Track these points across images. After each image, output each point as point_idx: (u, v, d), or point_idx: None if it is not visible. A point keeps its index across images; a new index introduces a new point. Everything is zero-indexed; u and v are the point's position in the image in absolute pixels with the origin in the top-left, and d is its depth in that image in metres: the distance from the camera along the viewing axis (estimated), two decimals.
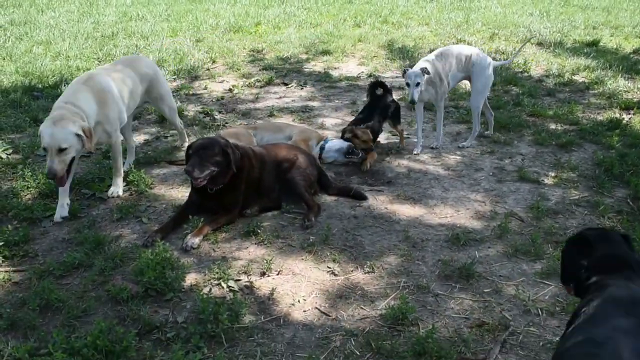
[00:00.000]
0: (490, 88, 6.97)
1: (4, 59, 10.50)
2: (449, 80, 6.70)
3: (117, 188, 5.66)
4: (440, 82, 6.60)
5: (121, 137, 5.73)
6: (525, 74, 9.93)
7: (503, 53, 11.02)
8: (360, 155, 6.33)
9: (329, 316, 3.90)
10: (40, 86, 8.82)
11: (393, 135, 7.22)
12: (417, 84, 6.27)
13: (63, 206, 5.22)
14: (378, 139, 6.85)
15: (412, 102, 6.38)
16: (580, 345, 2.23)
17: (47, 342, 3.48)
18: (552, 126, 7.49)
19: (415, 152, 6.68)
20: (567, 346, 2.30)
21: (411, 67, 6.54)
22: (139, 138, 7.08)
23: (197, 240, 4.73)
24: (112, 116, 5.49)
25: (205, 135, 6.79)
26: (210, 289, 4.08)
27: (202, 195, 5.14)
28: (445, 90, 6.74)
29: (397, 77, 9.61)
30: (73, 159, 5.07)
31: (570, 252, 2.97)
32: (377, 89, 6.93)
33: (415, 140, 6.85)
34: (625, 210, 5.33)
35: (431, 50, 10.61)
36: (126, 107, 5.75)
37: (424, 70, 6.32)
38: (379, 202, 5.54)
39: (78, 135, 4.91)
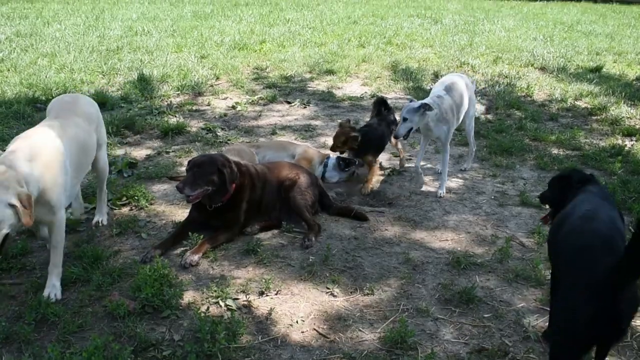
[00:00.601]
0: None
1: (9, 70, 10.53)
2: (459, 115, 6.26)
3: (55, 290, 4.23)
4: (453, 117, 6.13)
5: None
6: (528, 98, 9.93)
7: (506, 77, 11.05)
8: (357, 162, 6.31)
9: (327, 338, 3.87)
10: (43, 98, 8.83)
11: (395, 156, 7.20)
12: (405, 120, 5.87)
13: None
14: (380, 161, 6.80)
15: (396, 136, 6.11)
16: (578, 214, 3.44)
17: (41, 357, 3.45)
18: (555, 151, 7.48)
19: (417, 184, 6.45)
20: (568, 217, 3.50)
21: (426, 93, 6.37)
22: (140, 153, 7.07)
23: (196, 257, 4.70)
24: (60, 186, 4.15)
25: (207, 152, 6.78)
26: (208, 308, 4.04)
27: (202, 212, 5.12)
28: (452, 127, 6.26)
29: (400, 98, 9.63)
30: (7, 235, 3.79)
31: (554, 183, 4.13)
32: (382, 106, 6.89)
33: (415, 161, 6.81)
34: (627, 238, 5.30)
35: (435, 76, 10.69)
36: (81, 172, 4.68)
37: (424, 107, 5.85)
38: (379, 223, 5.52)
39: (12, 206, 3.68)
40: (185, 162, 6.63)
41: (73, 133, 4.50)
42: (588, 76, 11.34)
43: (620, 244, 3.14)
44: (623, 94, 9.93)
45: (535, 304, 4.28)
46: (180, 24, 15.73)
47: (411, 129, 5.94)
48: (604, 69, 11.99)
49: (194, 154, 6.95)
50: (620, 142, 7.80)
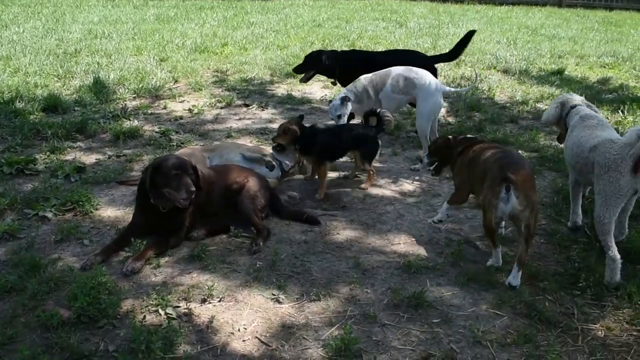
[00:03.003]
0: (437, 114, 6.99)
1: None
2: (379, 99, 6.78)
3: None
4: (367, 99, 6.75)
5: None
6: (490, 101, 9.88)
7: (468, 79, 11.00)
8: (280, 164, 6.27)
9: (269, 346, 3.72)
10: None
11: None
12: (339, 117, 6.57)
13: None
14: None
15: None
16: None
17: None
18: None
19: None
20: None
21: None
22: (90, 157, 6.85)
23: (138, 264, 4.52)
24: None
25: (158, 155, 6.56)
26: (145, 316, 3.88)
27: (146, 217, 4.94)
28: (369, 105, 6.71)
29: None
30: None
31: None
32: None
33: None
34: (582, 240, 5.24)
35: None
36: None
37: (345, 99, 6.66)
38: (331, 227, 5.39)
39: None
40: (137, 167, 6.51)
41: None
42: (550, 79, 11.34)
43: None
44: (584, 96, 9.87)
45: (487, 308, 4.19)
46: (142, 27, 15.45)
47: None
48: (566, 72, 12.01)
49: (145, 158, 6.77)
50: None
